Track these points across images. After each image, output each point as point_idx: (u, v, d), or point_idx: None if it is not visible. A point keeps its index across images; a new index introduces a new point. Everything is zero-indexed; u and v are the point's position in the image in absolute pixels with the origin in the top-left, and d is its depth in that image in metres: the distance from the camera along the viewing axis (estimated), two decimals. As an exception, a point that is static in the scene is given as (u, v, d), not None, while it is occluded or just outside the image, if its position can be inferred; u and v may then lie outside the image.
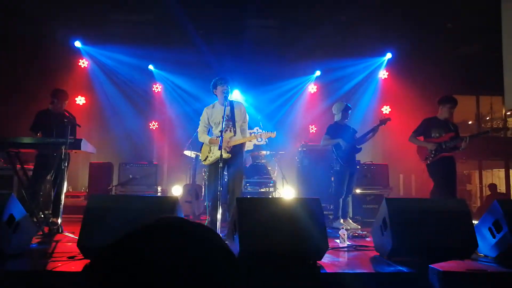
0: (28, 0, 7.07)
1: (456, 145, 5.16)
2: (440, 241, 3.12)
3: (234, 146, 4.63)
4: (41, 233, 4.15)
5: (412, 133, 5.47)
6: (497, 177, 8.94)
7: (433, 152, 5.19)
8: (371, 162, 6.99)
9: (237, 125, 4.69)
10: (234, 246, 3.01)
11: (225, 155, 4.45)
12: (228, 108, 4.64)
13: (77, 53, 8.40)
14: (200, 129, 4.84)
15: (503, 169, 8.55)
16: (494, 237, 3.31)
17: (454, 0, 7.59)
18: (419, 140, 5.42)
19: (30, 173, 4.96)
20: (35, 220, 4.28)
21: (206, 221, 4.69)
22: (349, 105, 5.99)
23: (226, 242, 3.58)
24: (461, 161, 8.87)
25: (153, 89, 8.81)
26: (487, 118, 9.85)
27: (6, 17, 7.37)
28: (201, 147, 4.87)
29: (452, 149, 5.18)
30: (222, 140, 4.31)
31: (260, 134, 4.66)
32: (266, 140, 7.59)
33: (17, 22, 7.44)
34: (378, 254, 3.51)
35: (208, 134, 4.83)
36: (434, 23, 8.14)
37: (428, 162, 5.27)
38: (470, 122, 9.97)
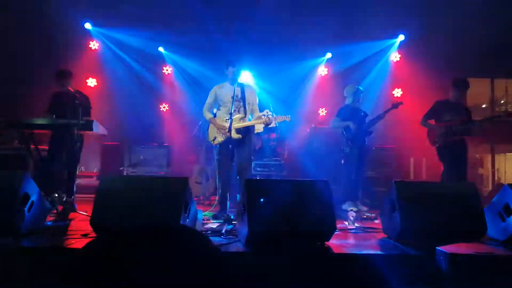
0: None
1: (468, 129, 5.10)
2: (448, 224, 3.12)
3: (244, 127, 4.66)
4: (55, 211, 4.26)
5: (423, 117, 5.42)
6: (510, 161, 8.81)
7: (442, 135, 5.15)
8: (381, 146, 6.95)
9: (247, 107, 4.71)
10: (243, 227, 3.05)
11: (235, 136, 4.48)
12: (238, 89, 4.66)
13: (88, 34, 8.41)
14: (205, 106, 4.89)
15: (517, 153, 8.43)
16: (503, 220, 3.30)
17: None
18: (430, 123, 5.37)
19: (45, 153, 5.05)
20: (49, 199, 4.38)
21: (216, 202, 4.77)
22: (360, 88, 5.94)
23: (235, 222, 3.64)
24: (473, 144, 8.76)
25: (164, 71, 8.81)
26: (502, 102, 9.65)
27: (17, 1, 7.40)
28: (208, 127, 4.90)
29: (463, 133, 5.12)
30: (231, 122, 4.33)
31: (274, 117, 4.63)
32: (276, 123, 7.55)
33: (27, 4, 7.45)
34: (386, 236, 3.54)
35: (211, 112, 4.87)
36: (448, 3, 7.93)
37: (438, 145, 5.23)
38: (484, 106, 9.79)
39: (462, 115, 5.19)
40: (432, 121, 5.39)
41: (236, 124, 4.53)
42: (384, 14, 7.98)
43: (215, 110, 4.94)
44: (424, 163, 8.37)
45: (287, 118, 4.59)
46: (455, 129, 5.11)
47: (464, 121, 5.13)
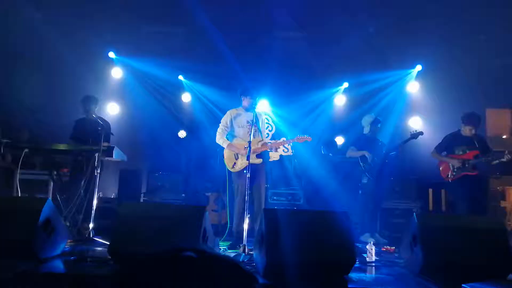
0: (65, 12, 7.36)
1: (480, 165, 4.94)
2: (473, 259, 3.01)
3: (262, 152, 4.67)
4: (73, 237, 4.28)
5: (434, 149, 5.32)
6: (533, 194, 8.53)
7: (455, 169, 5.00)
8: (399, 176, 6.84)
9: (263, 132, 4.79)
10: (261, 258, 3.01)
11: (255, 161, 4.48)
12: (253, 115, 4.74)
13: (111, 63, 8.67)
14: (220, 130, 4.87)
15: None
16: (531, 257, 3.17)
17: (488, 10, 7.39)
18: (441, 156, 5.25)
19: (65, 178, 5.13)
20: (68, 224, 4.42)
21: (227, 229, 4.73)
22: (379, 118, 5.92)
23: (253, 253, 3.59)
24: (495, 176, 8.53)
25: (182, 99, 8.98)
26: (523, 133, 9.47)
27: (43, 28, 7.68)
28: (223, 153, 4.89)
29: (474, 167, 4.97)
30: (250, 149, 4.32)
31: (297, 138, 4.65)
32: (293, 151, 7.58)
33: (53, 32, 7.74)
34: (407, 271, 3.43)
35: (226, 137, 4.86)
36: (467, 33, 7.95)
37: (450, 180, 5.08)
38: (504, 137, 9.61)
39: (475, 149, 5.05)
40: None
41: (255, 148, 4.53)
42: (402, 44, 8.03)
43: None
44: (443, 194, 8.18)
45: (308, 138, 4.59)
46: (468, 163, 4.97)
47: (477, 155, 4.97)
